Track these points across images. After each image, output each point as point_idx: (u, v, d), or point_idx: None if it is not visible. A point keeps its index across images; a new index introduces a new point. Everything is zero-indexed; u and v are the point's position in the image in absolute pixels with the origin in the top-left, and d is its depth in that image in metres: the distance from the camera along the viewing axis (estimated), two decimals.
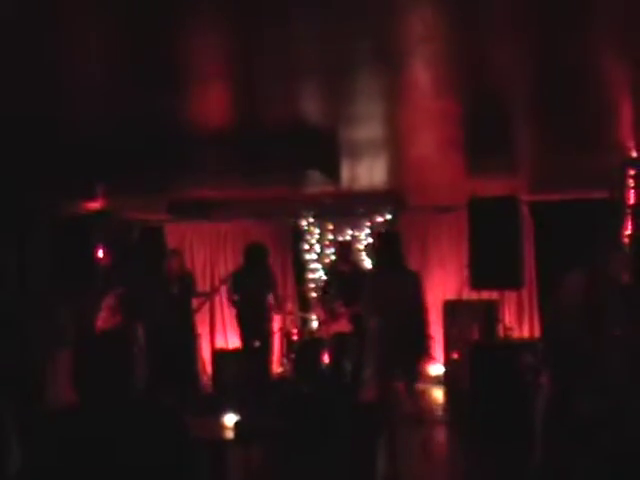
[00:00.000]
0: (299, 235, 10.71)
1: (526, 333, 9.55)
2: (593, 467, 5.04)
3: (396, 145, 6.39)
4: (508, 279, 7.87)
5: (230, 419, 5.31)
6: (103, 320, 7.52)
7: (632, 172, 6.47)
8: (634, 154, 6.27)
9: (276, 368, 9.86)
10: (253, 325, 9.01)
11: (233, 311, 9.38)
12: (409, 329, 6.55)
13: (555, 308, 5.73)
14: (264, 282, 9.04)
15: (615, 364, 5.23)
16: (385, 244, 6.94)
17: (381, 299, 6.55)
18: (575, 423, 5.31)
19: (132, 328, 8.29)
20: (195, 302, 9.44)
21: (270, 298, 9.15)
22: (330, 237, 10.46)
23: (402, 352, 6.48)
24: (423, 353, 7.36)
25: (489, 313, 8.87)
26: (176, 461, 2.76)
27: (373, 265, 8.35)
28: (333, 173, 7.16)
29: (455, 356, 9.26)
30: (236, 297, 9.06)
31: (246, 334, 9.07)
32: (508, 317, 9.49)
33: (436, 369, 9.95)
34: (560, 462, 5.37)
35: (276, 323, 10.04)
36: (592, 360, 5.32)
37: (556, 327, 5.70)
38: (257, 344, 8.97)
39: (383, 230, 9.44)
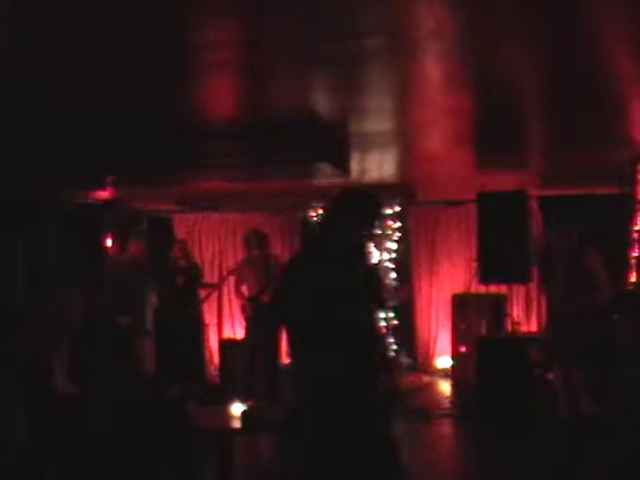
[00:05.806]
0: (308, 226, 10.67)
1: (534, 327, 9.54)
2: (602, 465, 5.05)
3: (406, 139, 6.37)
4: (516, 274, 7.86)
5: (237, 409, 5.33)
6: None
7: None
8: None
9: (284, 359, 9.87)
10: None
11: (240, 302, 9.35)
12: None
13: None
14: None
15: (626, 363, 5.23)
16: None
17: None
18: (586, 418, 5.32)
19: (140, 319, 8.35)
20: (203, 293, 9.45)
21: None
22: None
23: None
24: None
25: (497, 307, 8.88)
26: (176, 452, 2.77)
27: None
28: (343, 165, 7.16)
29: (463, 349, 9.26)
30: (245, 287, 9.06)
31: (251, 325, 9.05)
32: (516, 311, 9.49)
33: (444, 362, 9.96)
34: (569, 458, 5.38)
35: None
36: (603, 361, 5.34)
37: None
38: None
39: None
